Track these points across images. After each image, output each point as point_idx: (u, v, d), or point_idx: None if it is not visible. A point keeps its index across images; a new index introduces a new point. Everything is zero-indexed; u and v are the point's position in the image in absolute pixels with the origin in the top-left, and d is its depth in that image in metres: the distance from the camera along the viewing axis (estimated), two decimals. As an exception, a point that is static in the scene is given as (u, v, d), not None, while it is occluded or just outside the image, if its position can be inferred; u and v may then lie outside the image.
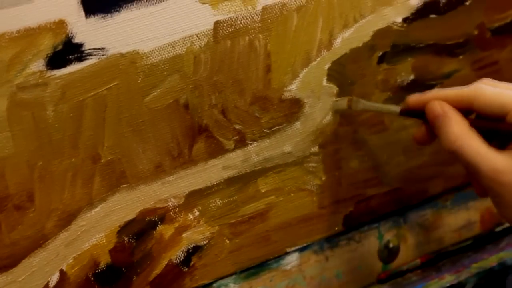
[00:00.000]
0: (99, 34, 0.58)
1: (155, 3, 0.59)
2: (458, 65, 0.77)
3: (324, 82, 0.69)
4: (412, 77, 0.74)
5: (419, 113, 0.63)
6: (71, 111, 0.59)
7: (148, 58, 0.60)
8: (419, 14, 0.72)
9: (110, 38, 0.58)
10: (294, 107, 0.69)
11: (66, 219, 0.62)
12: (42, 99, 0.57)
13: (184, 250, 0.68)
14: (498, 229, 0.86)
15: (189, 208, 0.67)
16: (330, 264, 0.77)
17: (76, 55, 0.57)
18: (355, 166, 0.74)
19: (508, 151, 0.58)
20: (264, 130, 0.68)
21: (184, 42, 0.62)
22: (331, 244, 0.76)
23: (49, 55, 0.56)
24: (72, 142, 0.60)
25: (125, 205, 0.64)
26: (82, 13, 0.57)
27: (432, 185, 0.80)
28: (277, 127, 0.69)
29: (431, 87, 0.75)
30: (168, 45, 0.61)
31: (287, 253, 0.74)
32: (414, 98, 0.64)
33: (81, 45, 0.57)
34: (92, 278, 0.64)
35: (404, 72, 0.74)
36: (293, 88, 0.68)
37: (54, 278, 0.62)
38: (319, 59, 0.68)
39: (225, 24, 0.63)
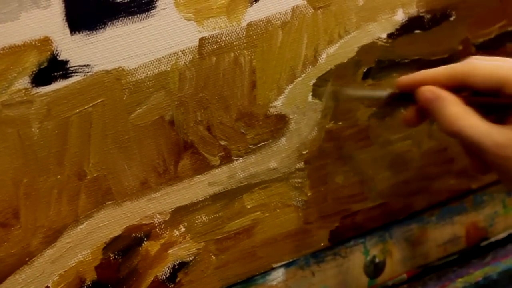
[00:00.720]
0: (84, 51, 0.58)
1: (140, 20, 0.59)
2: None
3: (310, 98, 0.69)
4: (397, 92, 0.75)
5: (409, 96, 0.61)
6: (57, 128, 0.59)
7: (133, 75, 0.61)
8: (403, 30, 0.72)
9: (95, 55, 0.58)
10: (280, 123, 0.69)
11: (52, 236, 0.62)
12: (27, 116, 0.57)
13: (170, 266, 0.68)
14: (484, 243, 0.86)
15: (175, 224, 0.67)
16: (316, 279, 0.77)
17: (61, 72, 0.57)
18: (340, 181, 0.75)
19: (509, 125, 0.57)
20: (250, 146, 0.68)
21: (169, 58, 0.62)
22: (317, 259, 0.76)
23: (34, 72, 0.56)
24: (58, 159, 0.60)
25: (110, 222, 0.64)
26: (67, 30, 0.57)
27: (418, 200, 0.81)
28: (263, 143, 0.69)
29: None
30: (153, 62, 0.61)
31: (273, 269, 0.74)
32: (404, 81, 0.62)
33: (66, 62, 0.57)
34: (77, 295, 0.64)
35: (389, 88, 0.74)
36: (279, 104, 0.68)
37: (40, 296, 0.62)
38: (304, 75, 0.68)
39: (210, 41, 0.63)
